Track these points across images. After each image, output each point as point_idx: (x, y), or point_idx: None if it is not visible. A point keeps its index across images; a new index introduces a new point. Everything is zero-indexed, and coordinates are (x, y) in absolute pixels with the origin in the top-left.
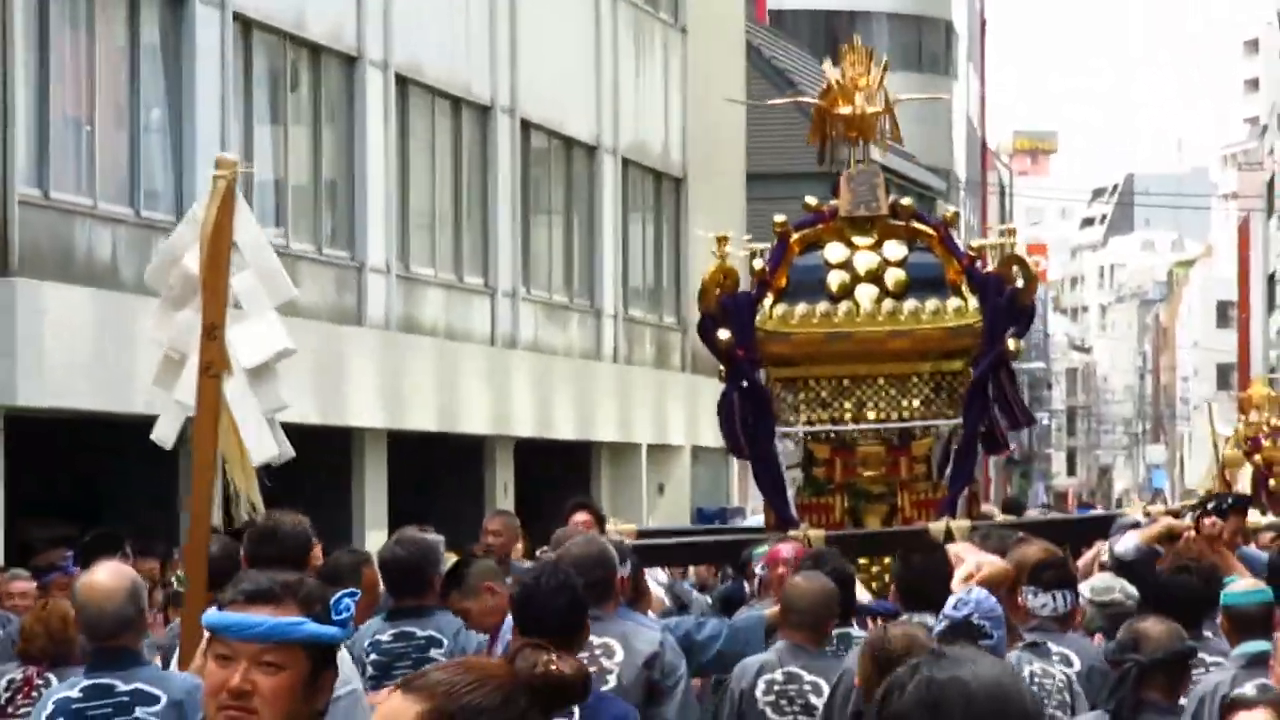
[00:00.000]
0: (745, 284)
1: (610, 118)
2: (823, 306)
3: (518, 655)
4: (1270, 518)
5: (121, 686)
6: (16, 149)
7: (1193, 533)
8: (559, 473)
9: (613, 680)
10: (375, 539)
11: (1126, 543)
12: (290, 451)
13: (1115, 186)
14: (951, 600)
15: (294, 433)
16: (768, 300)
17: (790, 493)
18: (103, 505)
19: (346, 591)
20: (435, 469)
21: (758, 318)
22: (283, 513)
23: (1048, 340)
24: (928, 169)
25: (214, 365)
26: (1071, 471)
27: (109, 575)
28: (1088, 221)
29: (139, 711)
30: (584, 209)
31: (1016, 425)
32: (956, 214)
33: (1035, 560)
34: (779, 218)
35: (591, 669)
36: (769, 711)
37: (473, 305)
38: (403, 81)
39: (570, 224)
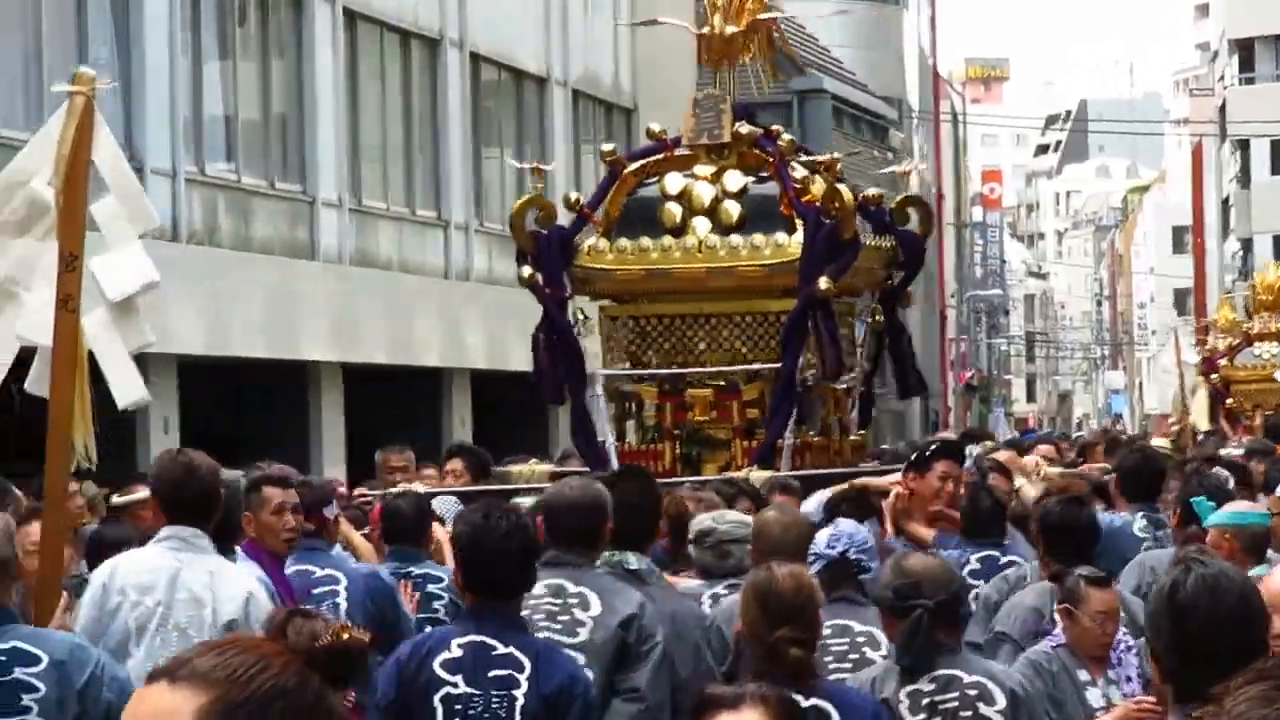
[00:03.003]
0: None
1: (560, 49)
2: (644, 242)
3: (288, 626)
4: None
5: None
6: None
7: (898, 491)
8: (515, 404)
9: (584, 634)
10: (334, 472)
11: (810, 504)
12: (149, 395)
13: (1068, 113)
14: (823, 537)
15: (250, 367)
16: (592, 235)
17: (610, 440)
18: None
19: None
20: (392, 402)
21: (581, 254)
22: (196, 452)
23: (1004, 267)
24: (880, 98)
25: (72, 298)
26: (1031, 398)
27: None
28: (1042, 149)
29: (18, 672)
30: (535, 141)
31: (832, 373)
32: (792, 141)
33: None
34: (606, 146)
35: (563, 618)
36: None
37: (425, 238)
38: (351, 15)
39: (521, 156)
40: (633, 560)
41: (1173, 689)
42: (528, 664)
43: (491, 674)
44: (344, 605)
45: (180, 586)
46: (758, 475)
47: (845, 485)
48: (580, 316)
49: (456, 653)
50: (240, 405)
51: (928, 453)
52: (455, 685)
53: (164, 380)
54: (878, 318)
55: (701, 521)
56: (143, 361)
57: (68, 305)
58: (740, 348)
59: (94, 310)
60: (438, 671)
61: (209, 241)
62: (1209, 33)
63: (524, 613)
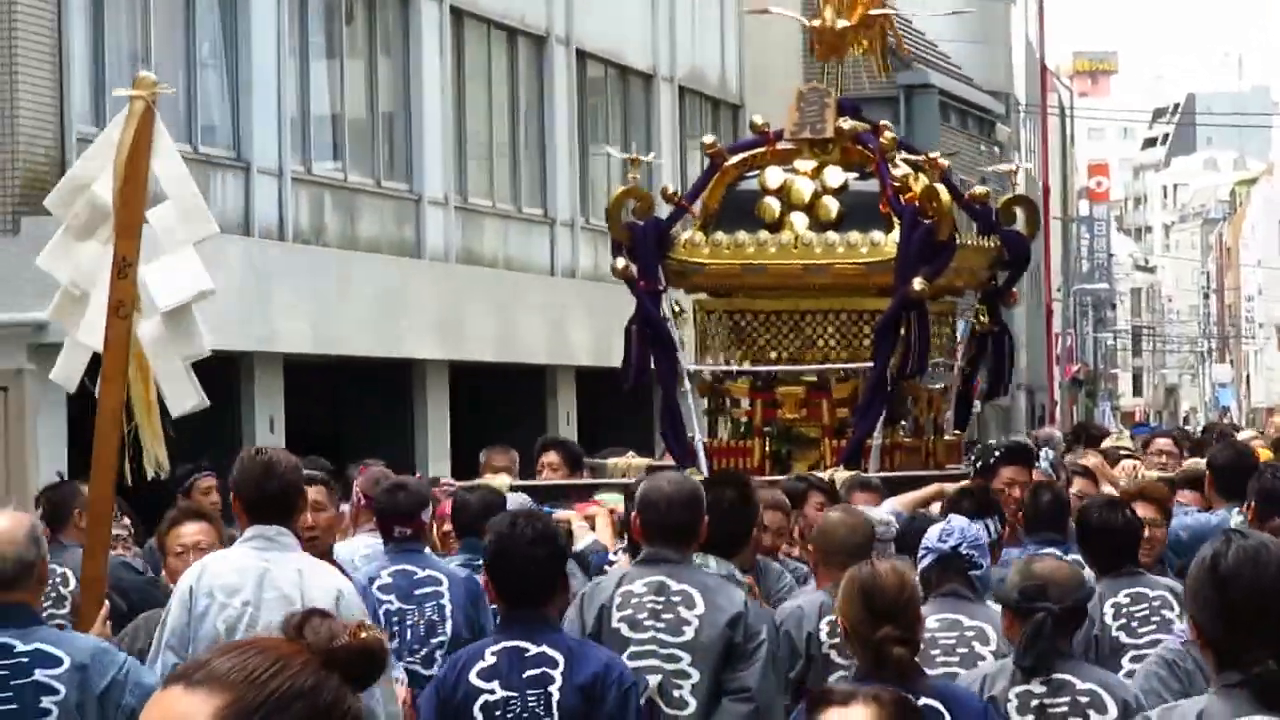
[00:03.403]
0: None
1: (666, 45)
2: (740, 236)
3: (305, 626)
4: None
5: (20, 646)
6: (74, 89)
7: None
8: (620, 400)
9: (689, 632)
10: (438, 469)
11: (882, 509)
12: (206, 400)
13: (1176, 106)
14: (935, 531)
15: (356, 365)
16: (690, 228)
17: (699, 436)
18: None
19: None
20: (496, 399)
21: (677, 246)
22: (278, 450)
23: (1111, 260)
24: (987, 93)
25: (125, 304)
26: (1138, 392)
27: (6, 519)
28: (1150, 142)
29: (39, 674)
30: (641, 138)
31: (913, 372)
32: (895, 138)
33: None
34: (708, 138)
35: (668, 616)
36: (834, 655)
37: (531, 235)
38: (458, 13)
39: (628, 153)
40: (713, 565)
41: (1215, 657)
42: (560, 659)
43: (526, 674)
44: (448, 607)
45: (269, 586)
46: (841, 474)
47: (926, 490)
48: (675, 309)
49: (490, 660)
50: (346, 403)
51: (992, 458)
52: (492, 692)
53: (269, 379)
54: (982, 318)
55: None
56: (248, 360)
57: (119, 311)
58: (833, 346)
59: (148, 318)
60: (474, 682)
61: (315, 241)
62: None
63: (627, 611)
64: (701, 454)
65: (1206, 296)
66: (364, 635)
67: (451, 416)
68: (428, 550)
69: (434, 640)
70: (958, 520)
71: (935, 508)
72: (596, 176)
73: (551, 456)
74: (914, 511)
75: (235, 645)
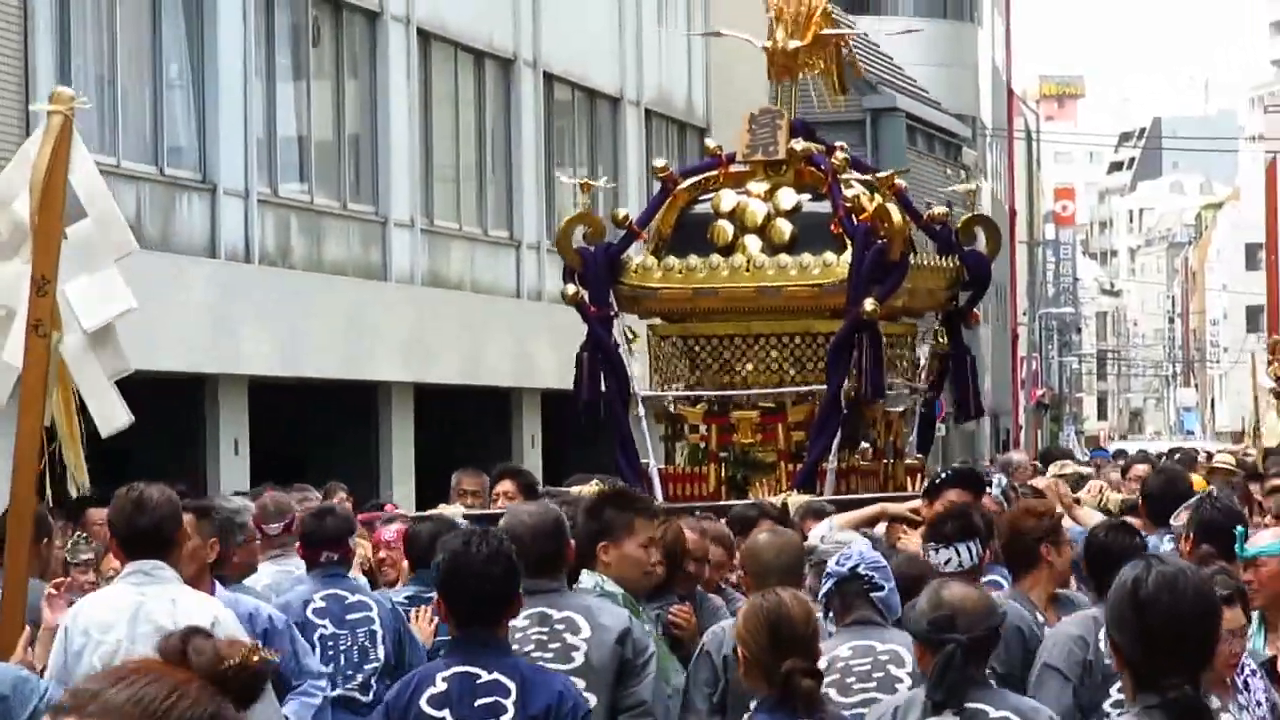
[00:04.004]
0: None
1: (634, 69)
2: (691, 260)
3: (188, 647)
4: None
5: None
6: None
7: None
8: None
9: (579, 658)
10: (403, 492)
11: (820, 528)
12: (132, 418)
13: (1143, 130)
14: (833, 557)
15: (321, 388)
16: (641, 253)
17: (653, 462)
18: (127, 462)
19: None
20: (462, 422)
21: (628, 271)
22: (150, 484)
23: (1077, 284)
24: (954, 116)
25: (43, 323)
26: (1102, 415)
27: None
28: (1116, 166)
29: None
30: (608, 161)
31: (866, 395)
32: (847, 159)
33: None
34: (659, 162)
35: (554, 645)
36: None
37: (497, 258)
38: (425, 35)
39: (595, 176)
40: (584, 578)
41: (1134, 679)
42: (513, 687)
43: (478, 703)
44: (380, 632)
45: (143, 620)
46: (795, 499)
47: (867, 510)
48: (628, 336)
49: (442, 686)
50: (311, 426)
51: (938, 480)
52: (443, 719)
53: (234, 401)
54: (941, 339)
55: (810, 538)
56: (213, 382)
57: (38, 330)
58: (788, 369)
59: (71, 337)
60: (425, 709)
61: (281, 262)
62: None
63: (513, 647)
64: (656, 480)
65: (1172, 321)
66: (255, 659)
67: (416, 439)
68: (352, 575)
69: (367, 666)
70: (859, 543)
71: (881, 528)
72: (563, 199)
73: (507, 485)
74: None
75: (126, 673)
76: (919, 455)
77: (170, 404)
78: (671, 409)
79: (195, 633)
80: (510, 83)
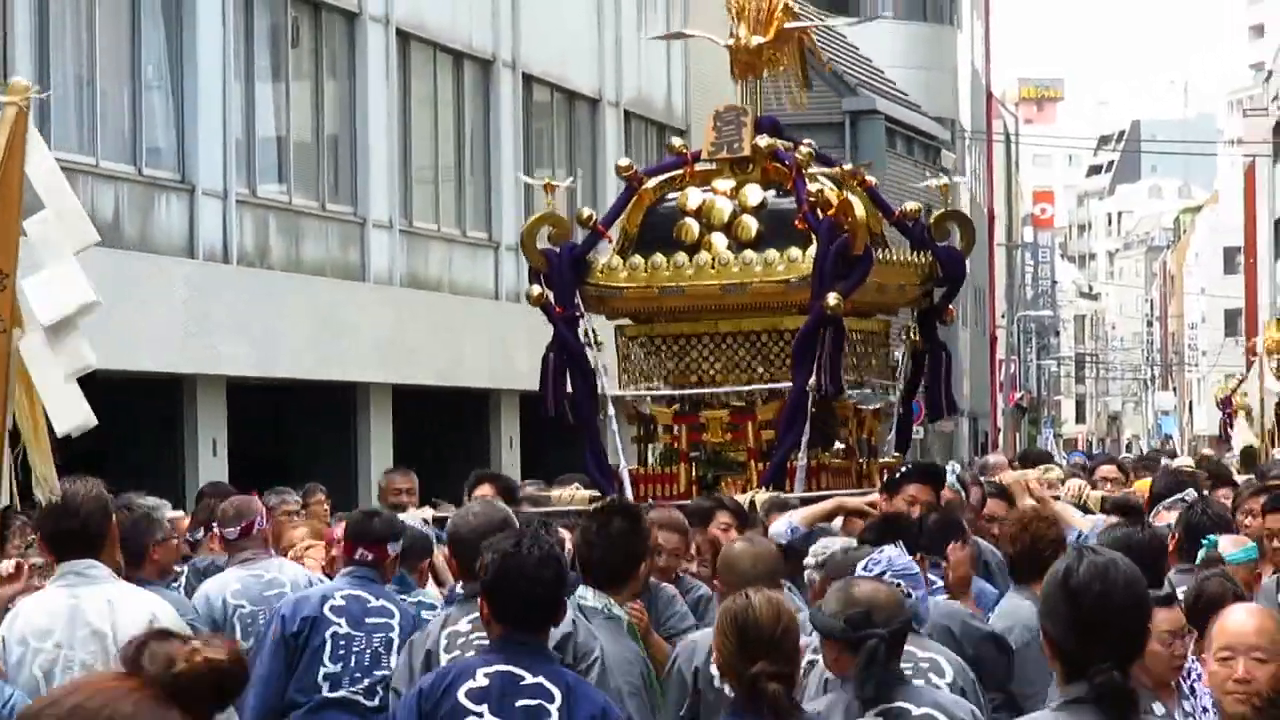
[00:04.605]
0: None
1: (613, 70)
2: (657, 259)
3: (143, 653)
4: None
5: None
6: None
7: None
8: (564, 426)
9: None
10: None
11: (779, 525)
12: (93, 418)
13: (1121, 133)
14: (862, 561)
15: (299, 389)
16: (606, 253)
17: (623, 463)
18: (105, 463)
19: None
20: (440, 423)
21: (594, 271)
22: (75, 481)
23: (1055, 287)
24: (933, 119)
25: (3, 319)
26: (1081, 419)
27: None
28: (1094, 169)
29: None
30: (587, 162)
31: (826, 390)
32: (811, 153)
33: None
34: (622, 161)
35: None
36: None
37: (476, 259)
38: (404, 36)
39: (574, 178)
40: (590, 598)
41: (1064, 668)
42: (558, 694)
43: (520, 704)
44: (396, 641)
45: (79, 623)
46: (761, 497)
47: (824, 505)
48: (593, 337)
49: (482, 682)
50: (289, 426)
51: (898, 475)
52: (480, 715)
53: (212, 402)
54: (914, 336)
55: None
56: (191, 383)
57: None
58: (756, 367)
59: (29, 333)
60: (462, 701)
61: (260, 263)
62: (1263, 52)
63: (454, 653)
64: (627, 481)
65: (1150, 324)
66: (199, 659)
67: (395, 440)
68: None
69: (377, 672)
70: (889, 550)
71: (837, 523)
72: (542, 201)
73: (485, 489)
74: (813, 526)
75: (70, 689)
76: (897, 454)
77: (148, 404)
78: (645, 410)
79: (156, 636)
80: (489, 84)
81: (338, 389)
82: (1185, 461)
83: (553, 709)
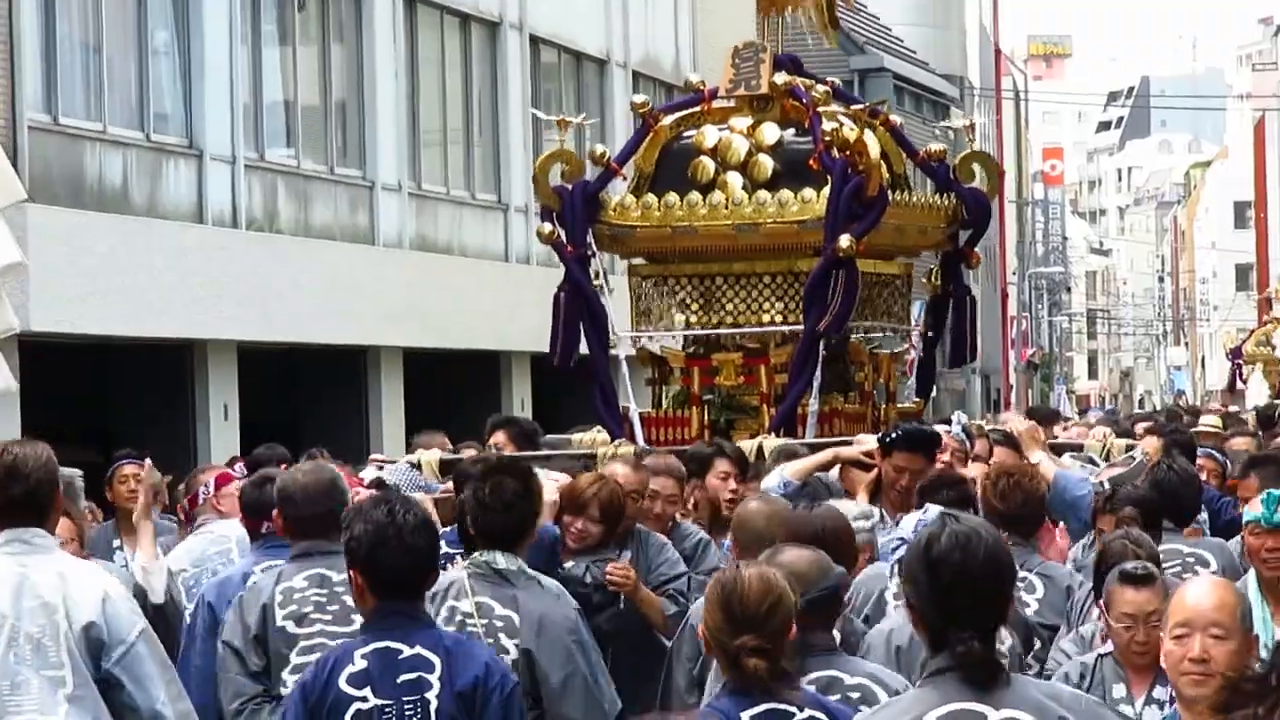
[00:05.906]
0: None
1: (620, 31)
2: (670, 198)
3: None
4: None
5: None
6: (25, 75)
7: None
8: (575, 386)
9: (358, 619)
10: (394, 457)
11: (772, 479)
12: (14, 384)
13: (1131, 89)
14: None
15: (310, 353)
16: (620, 191)
17: (633, 406)
18: (114, 429)
19: None
20: (452, 386)
21: (607, 210)
22: (25, 445)
23: (1066, 244)
24: (941, 76)
25: None
26: (1093, 375)
27: None
28: (1104, 125)
29: None
30: (595, 123)
31: (831, 331)
32: (829, 91)
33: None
34: (638, 98)
35: (333, 607)
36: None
37: (485, 221)
38: None
39: (582, 139)
40: (501, 560)
41: (928, 637)
42: (437, 662)
43: (400, 679)
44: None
45: (28, 594)
46: (771, 443)
47: (819, 456)
48: (604, 278)
49: (361, 665)
50: (300, 390)
51: (889, 439)
52: (365, 700)
53: (223, 366)
54: (935, 280)
55: None
56: (201, 348)
57: None
58: (770, 309)
59: None
60: (344, 689)
61: (269, 227)
62: (1272, 7)
63: (290, 608)
64: (638, 425)
65: (1161, 280)
66: None
67: (406, 402)
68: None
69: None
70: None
71: (834, 473)
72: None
73: (499, 436)
74: (806, 479)
75: None
76: (917, 399)
77: (158, 370)
78: (659, 351)
79: None
80: (496, 46)
81: (348, 353)
82: (1211, 421)
83: (433, 679)
